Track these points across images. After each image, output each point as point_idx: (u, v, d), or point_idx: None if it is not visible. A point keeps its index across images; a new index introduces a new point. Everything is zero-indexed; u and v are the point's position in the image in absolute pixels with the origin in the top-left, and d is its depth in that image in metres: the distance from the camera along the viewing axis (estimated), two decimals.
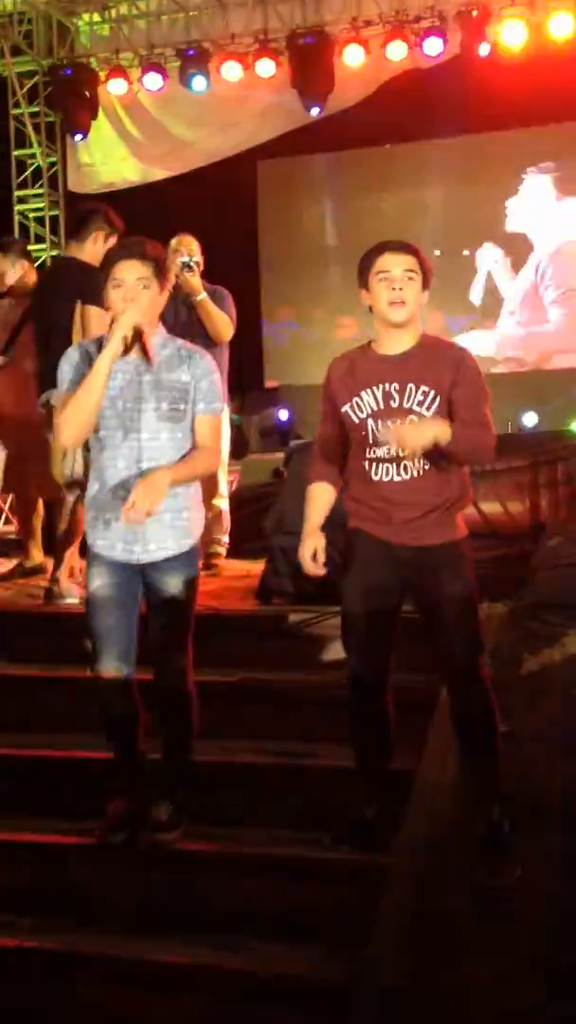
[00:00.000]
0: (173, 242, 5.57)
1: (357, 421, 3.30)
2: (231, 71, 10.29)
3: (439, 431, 3.11)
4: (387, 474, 3.27)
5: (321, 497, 3.45)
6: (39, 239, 11.42)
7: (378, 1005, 2.76)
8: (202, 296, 5.45)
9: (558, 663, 4.21)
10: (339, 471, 3.45)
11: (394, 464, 3.26)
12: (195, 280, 5.44)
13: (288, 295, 11.93)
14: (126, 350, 3.34)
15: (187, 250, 5.52)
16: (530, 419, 9.87)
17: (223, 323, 5.52)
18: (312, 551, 3.40)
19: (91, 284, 4.17)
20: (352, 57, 10.00)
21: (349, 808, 3.45)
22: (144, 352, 3.38)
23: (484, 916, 2.98)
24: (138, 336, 3.33)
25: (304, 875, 3.36)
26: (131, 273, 3.34)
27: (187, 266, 5.41)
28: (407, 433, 3.13)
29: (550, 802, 3.40)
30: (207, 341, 5.49)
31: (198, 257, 5.52)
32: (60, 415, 3.45)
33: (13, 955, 3.29)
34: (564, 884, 3.07)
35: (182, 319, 5.44)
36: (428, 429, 3.12)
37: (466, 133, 11.13)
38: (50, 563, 5.24)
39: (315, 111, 10.15)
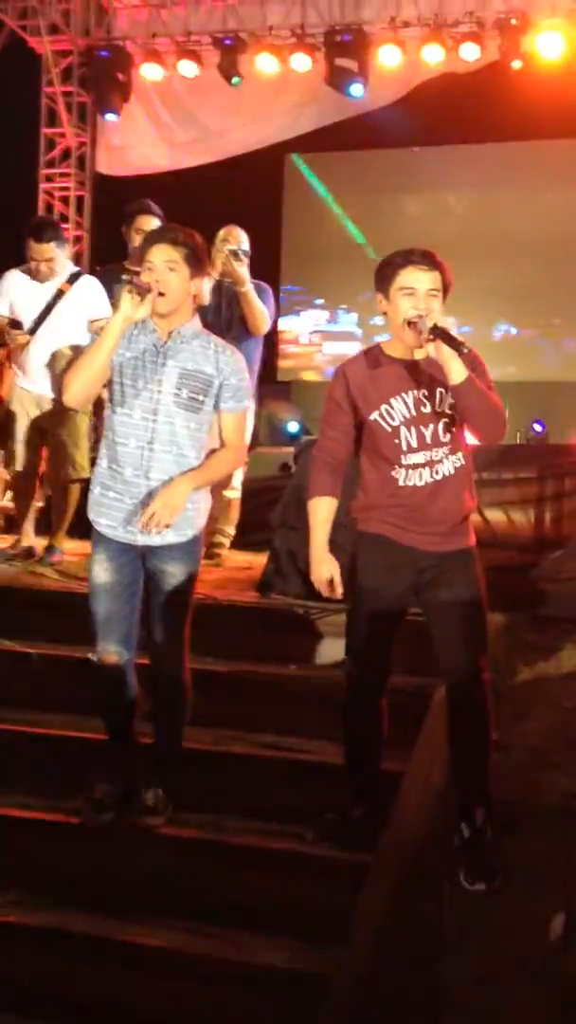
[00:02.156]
0: (222, 232, 5.61)
1: (389, 429, 3.30)
2: (266, 64, 10.26)
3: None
4: (420, 479, 3.29)
5: (326, 512, 3.42)
6: (63, 219, 11.42)
7: (351, 1000, 2.78)
8: (247, 287, 5.47)
9: (551, 676, 4.24)
10: (341, 481, 3.44)
11: (428, 468, 3.28)
12: (243, 270, 5.45)
13: (307, 291, 11.93)
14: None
15: (235, 240, 5.54)
16: (540, 427, 9.87)
17: (262, 316, 5.56)
18: (329, 577, 3.38)
19: None
20: (388, 57, 9.98)
21: (335, 805, 3.47)
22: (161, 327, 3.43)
23: (462, 919, 3.01)
24: (147, 290, 3.32)
25: (286, 868, 3.39)
26: (159, 256, 3.40)
27: (235, 255, 5.42)
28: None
29: (533, 811, 3.43)
30: (243, 332, 5.54)
31: (247, 247, 5.53)
32: (68, 373, 3.50)
33: None
34: (541, 891, 3.09)
35: (223, 309, 5.48)
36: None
37: (497, 140, 11.11)
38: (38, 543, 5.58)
39: (357, 87, 9.98)
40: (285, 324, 11.70)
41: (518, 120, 10.12)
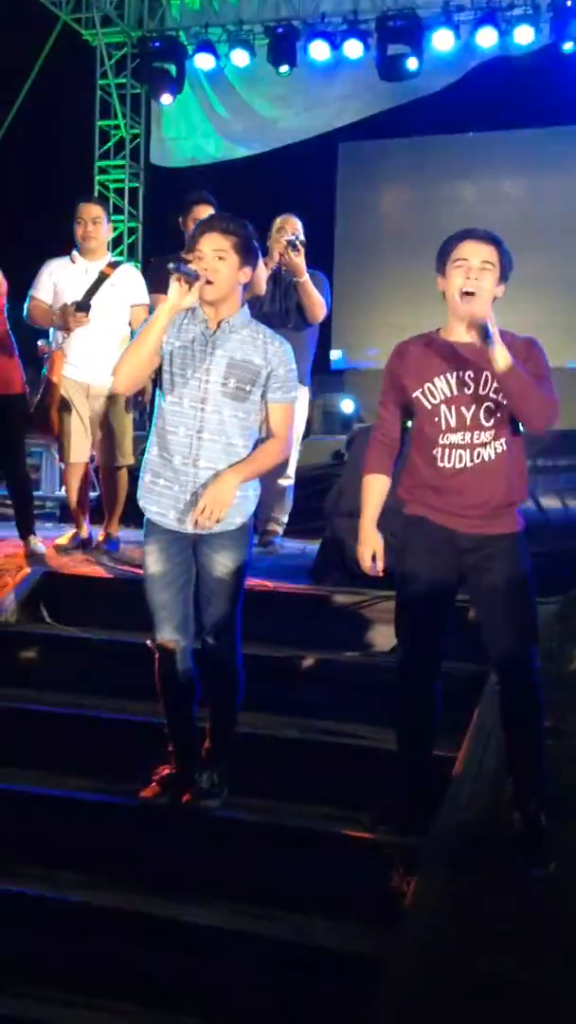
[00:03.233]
0: (278, 221, 5.64)
1: (429, 407, 3.32)
2: (319, 51, 10.27)
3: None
4: (460, 461, 3.29)
5: (378, 488, 3.47)
6: (117, 210, 11.53)
7: (408, 983, 2.81)
8: (305, 278, 5.50)
9: None
10: (394, 459, 3.47)
11: (467, 450, 3.28)
12: (299, 260, 5.48)
13: (361, 278, 11.90)
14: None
15: (291, 229, 5.57)
16: None
17: (320, 305, 5.61)
18: (372, 553, 3.43)
19: None
20: (441, 42, 9.93)
21: (389, 790, 3.49)
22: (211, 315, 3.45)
23: (517, 904, 3.01)
24: (195, 277, 3.33)
25: (341, 852, 3.41)
26: (208, 245, 3.42)
27: (293, 245, 5.45)
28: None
29: None
30: (300, 320, 5.58)
31: (303, 236, 5.55)
32: (118, 360, 3.55)
33: (54, 907, 3.40)
34: None
35: (280, 298, 5.52)
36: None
37: (553, 124, 11.00)
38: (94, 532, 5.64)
39: (412, 60, 9.88)
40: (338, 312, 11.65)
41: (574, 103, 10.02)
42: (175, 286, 3.33)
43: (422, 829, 3.34)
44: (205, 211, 5.47)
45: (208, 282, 3.37)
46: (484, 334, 3.11)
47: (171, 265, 3.33)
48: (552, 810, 3.27)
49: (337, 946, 3.11)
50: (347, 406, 10.12)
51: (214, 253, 3.40)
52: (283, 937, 3.17)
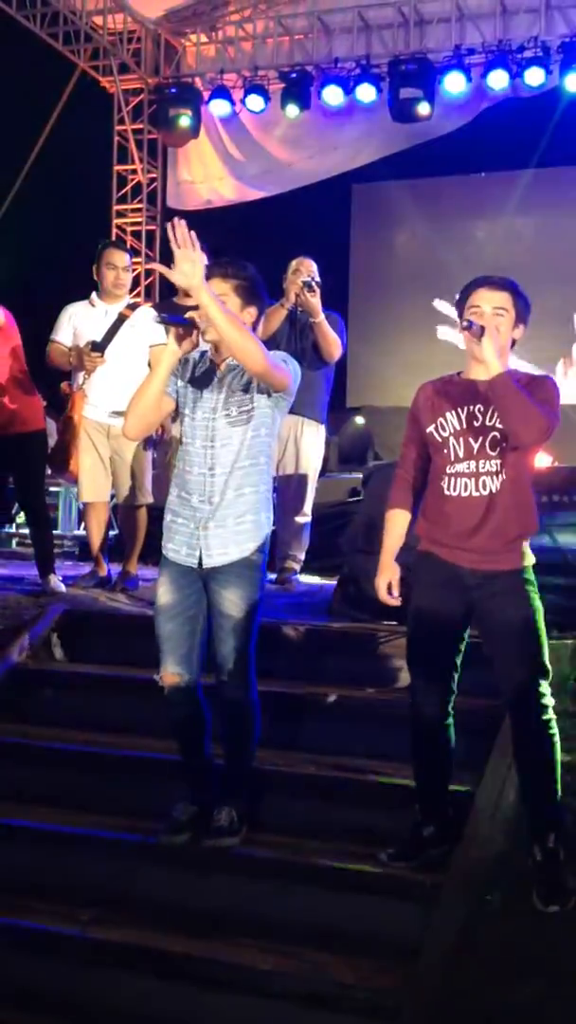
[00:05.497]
0: (293, 263, 5.73)
1: (440, 440, 3.39)
2: (332, 95, 10.42)
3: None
4: (465, 489, 3.34)
5: (398, 524, 3.52)
6: (135, 252, 11.67)
7: (427, 1018, 2.80)
8: (321, 318, 5.58)
9: None
10: (416, 498, 3.52)
11: (473, 479, 3.33)
12: (315, 301, 5.57)
13: (376, 318, 11.99)
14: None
15: (307, 271, 5.65)
16: None
17: (336, 345, 5.70)
18: (387, 583, 3.48)
19: None
20: (453, 84, 10.06)
21: (407, 825, 3.49)
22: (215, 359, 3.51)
23: (536, 938, 3.00)
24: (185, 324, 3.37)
25: (360, 888, 3.41)
26: (211, 289, 3.46)
27: (308, 286, 5.53)
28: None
29: None
30: (316, 360, 5.65)
31: (318, 278, 5.63)
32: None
33: (76, 945, 3.41)
34: None
35: (296, 338, 5.60)
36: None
37: (563, 164, 11.10)
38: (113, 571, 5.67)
39: (423, 106, 10.02)
40: (354, 351, 11.74)
41: None
42: (174, 340, 3.40)
43: (441, 864, 3.33)
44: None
45: (198, 328, 3.41)
46: (480, 332, 3.22)
47: (155, 318, 3.39)
48: (571, 844, 3.27)
49: (356, 982, 3.10)
50: (359, 420, 10.23)
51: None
52: (301, 974, 3.17)
